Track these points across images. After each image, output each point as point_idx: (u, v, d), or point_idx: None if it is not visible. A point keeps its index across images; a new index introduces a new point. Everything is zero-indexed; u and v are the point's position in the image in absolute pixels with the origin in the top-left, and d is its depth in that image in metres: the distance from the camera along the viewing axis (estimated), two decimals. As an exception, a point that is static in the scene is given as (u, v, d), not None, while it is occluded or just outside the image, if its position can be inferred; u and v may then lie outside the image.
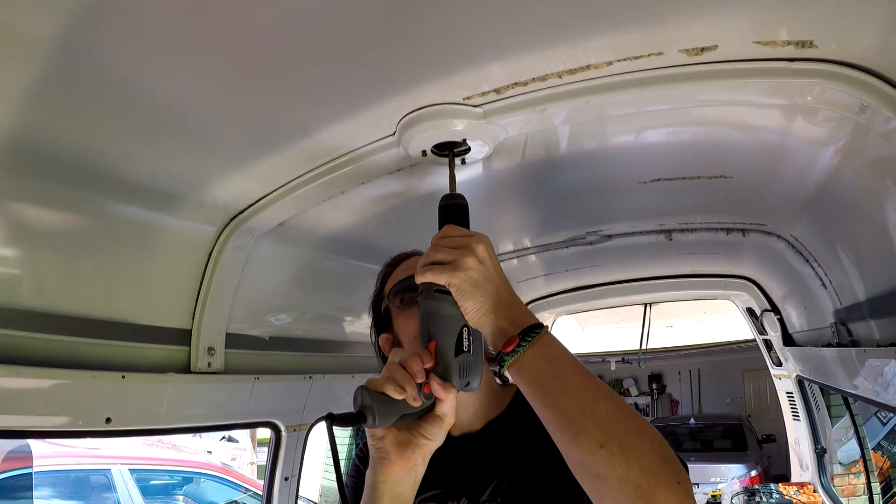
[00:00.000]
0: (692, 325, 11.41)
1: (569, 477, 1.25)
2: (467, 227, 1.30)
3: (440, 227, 1.30)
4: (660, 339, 11.37)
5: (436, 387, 1.11)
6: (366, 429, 1.14)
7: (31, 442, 4.88)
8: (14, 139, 1.23)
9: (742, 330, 6.12)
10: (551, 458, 1.27)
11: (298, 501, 2.61)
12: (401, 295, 1.43)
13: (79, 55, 1.06)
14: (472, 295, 1.12)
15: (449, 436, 1.31)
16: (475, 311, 1.12)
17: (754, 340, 4.58)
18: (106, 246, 1.64)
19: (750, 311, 4.19)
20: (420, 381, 1.11)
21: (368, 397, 1.07)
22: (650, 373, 15.59)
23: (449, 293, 1.16)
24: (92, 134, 1.31)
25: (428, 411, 1.15)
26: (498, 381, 1.54)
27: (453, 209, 1.32)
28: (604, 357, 14.05)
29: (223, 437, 11.60)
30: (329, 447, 1.12)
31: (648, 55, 1.18)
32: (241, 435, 11.36)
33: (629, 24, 1.10)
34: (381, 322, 1.51)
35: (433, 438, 1.15)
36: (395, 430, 1.15)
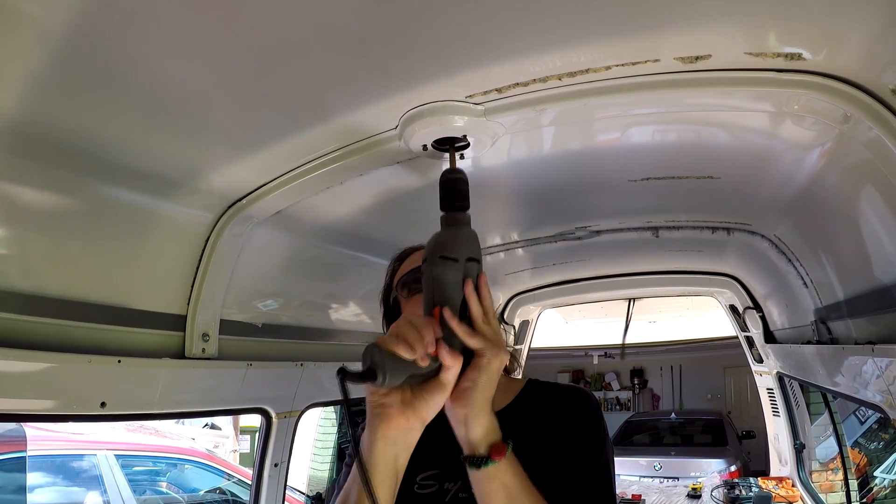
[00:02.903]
0: (675, 321, 11.50)
1: (567, 466, 1.30)
2: (467, 201, 1.34)
3: (441, 200, 1.33)
4: (642, 334, 11.46)
5: (444, 354, 1.12)
6: (369, 387, 1.14)
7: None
8: (16, 122, 1.25)
9: (724, 326, 6.20)
10: (555, 449, 1.32)
11: (286, 489, 2.64)
12: (408, 285, 1.46)
13: (86, 41, 1.07)
14: (493, 376, 1.18)
15: None
16: (485, 384, 1.17)
17: (736, 337, 4.64)
18: (104, 231, 1.66)
19: (733, 308, 4.25)
20: (431, 348, 1.11)
21: (380, 354, 1.07)
22: (632, 367, 15.69)
23: (455, 259, 1.20)
24: (95, 119, 1.33)
25: (432, 376, 1.15)
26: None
27: (455, 183, 1.34)
28: (587, 351, 14.13)
29: (206, 425, 11.53)
30: (343, 404, 1.11)
31: (645, 61, 1.23)
32: (224, 423, 11.30)
33: (628, 31, 1.14)
34: (391, 313, 1.55)
35: (433, 404, 1.16)
36: (399, 389, 1.16)
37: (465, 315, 1.20)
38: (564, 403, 1.43)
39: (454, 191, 1.33)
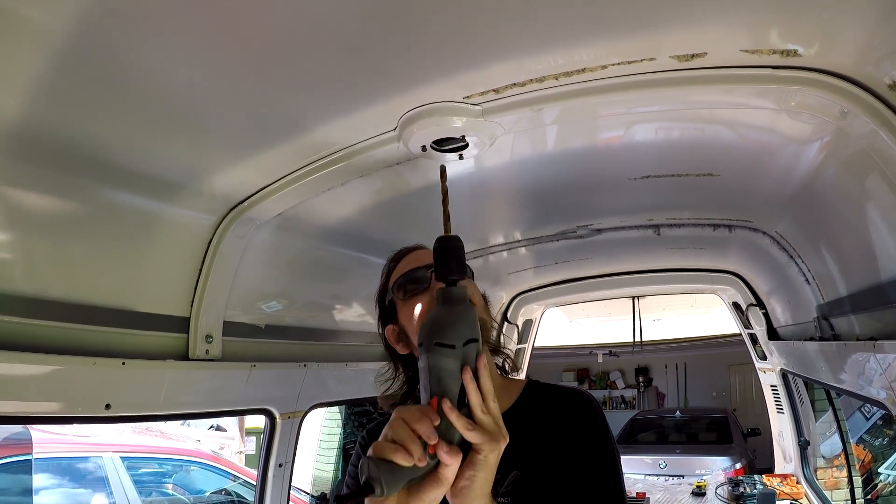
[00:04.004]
0: (679, 319, 11.49)
1: (580, 480, 1.28)
2: (464, 269, 1.25)
3: (435, 269, 1.23)
4: (647, 332, 11.44)
5: (443, 454, 1.08)
6: (367, 500, 1.10)
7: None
8: (19, 126, 1.26)
9: (728, 324, 6.19)
10: (562, 458, 1.31)
11: (291, 489, 2.65)
12: (404, 287, 1.44)
13: (87, 45, 1.08)
14: (491, 471, 1.15)
15: None
16: (483, 480, 1.13)
17: (740, 335, 4.64)
18: (107, 234, 1.67)
19: (736, 306, 4.25)
20: (433, 440, 1.08)
21: (375, 468, 1.04)
22: (637, 366, 15.67)
23: (452, 346, 1.15)
24: (97, 123, 1.33)
25: (431, 471, 1.11)
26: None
27: (449, 251, 1.23)
28: (591, 350, 14.12)
29: (211, 427, 11.56)
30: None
31: (641, 60, 1.23)
32: (230, 425, 11.32)
33: (624, 30, 1.15)
34: (387, 314, 1.52)
35: (430, 502, 1.12)
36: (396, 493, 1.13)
37: (463, 403, 1.16)
38: (569, 412, 1.41)
39: (448, 260, 1.23)
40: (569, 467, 1.30)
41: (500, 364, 1.51)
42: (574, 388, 1.50)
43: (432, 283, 1.32)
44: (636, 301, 5.82)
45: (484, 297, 1.43)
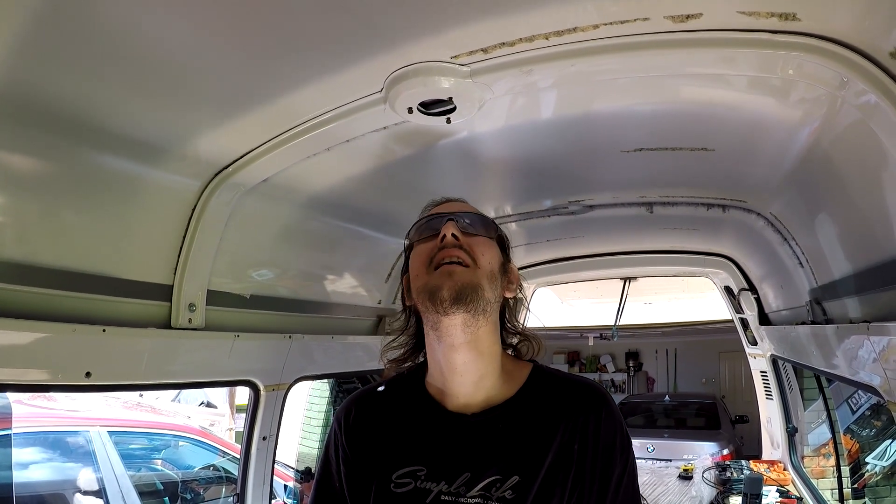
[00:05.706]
0: (670, 303, 11.51)
1: (592, 493, 1.18)
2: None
3: None
4: (638, 315, 11.47)
5: None
6: None
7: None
8: (-1, 85, 1.22)
9: (719, 310, 6.18)
10: (573, 472, 1.19)
11: (275, 463, 2.63)
12: (416, 233, 1.36)
13: (67, 2, 1.05)
14: None
15: (441, 407, 1.27)
16: None
17: (731, 321, 4.62)
18: (89, 198, 1.64)
19: (728, 290, 4.23)
20: None
21: None
22: (627, 350, 15.75)
23: None
24: (78, 82, 1.30)
25: None
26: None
27: None
28: (582, 332, 14.14)
29: (202, 403, 11.59)
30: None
31: (635, 20, 1.20)
32: (220, 401, 11.35)
33: (617, -13, 1.11)
34: (406, 263, 1.41)
35: None
36: None
37: None
38: (585, 415, 1.24)
39: None
40: (581, 485, 1.18)
41: (515, 344, 1.40)
42: (587, 382, 1.33)
43: (441, 231, 1.26)
44: (627, 283, 5.79)
45: (504, 267, 1.36)
